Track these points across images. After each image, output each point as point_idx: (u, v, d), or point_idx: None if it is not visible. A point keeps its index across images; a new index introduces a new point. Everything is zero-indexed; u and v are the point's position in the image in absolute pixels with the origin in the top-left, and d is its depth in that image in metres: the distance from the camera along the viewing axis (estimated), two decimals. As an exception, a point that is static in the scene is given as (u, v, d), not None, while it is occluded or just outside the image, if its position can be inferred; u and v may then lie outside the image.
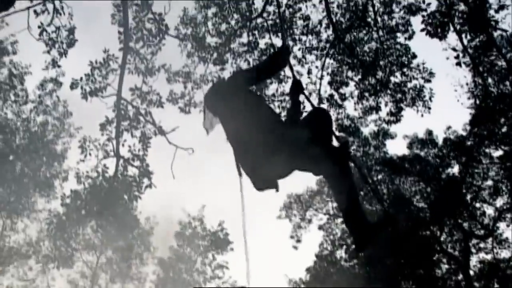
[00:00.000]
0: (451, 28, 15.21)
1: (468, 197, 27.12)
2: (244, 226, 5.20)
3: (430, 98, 16.99)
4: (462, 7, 15.16)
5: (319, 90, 16.83)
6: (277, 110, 16.33)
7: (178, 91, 16.87)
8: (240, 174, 4.99)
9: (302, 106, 5.68)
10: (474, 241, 27.23)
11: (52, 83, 21.74)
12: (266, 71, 5.94)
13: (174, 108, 16.77)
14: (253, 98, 5.31)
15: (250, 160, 4.96)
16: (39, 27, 14.78)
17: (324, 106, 16.82)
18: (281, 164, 4.83)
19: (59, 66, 16.30)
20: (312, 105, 5.53)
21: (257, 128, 4.87)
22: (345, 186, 4.83)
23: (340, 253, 30.35)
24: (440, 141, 27.90)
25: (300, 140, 4.81)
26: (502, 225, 26.76)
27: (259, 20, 16.50)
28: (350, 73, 17.16)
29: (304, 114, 5.24)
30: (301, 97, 5.49)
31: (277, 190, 4.84)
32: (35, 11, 14.26)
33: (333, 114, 17.35)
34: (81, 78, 15.06)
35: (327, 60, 16.82)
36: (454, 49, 15.47)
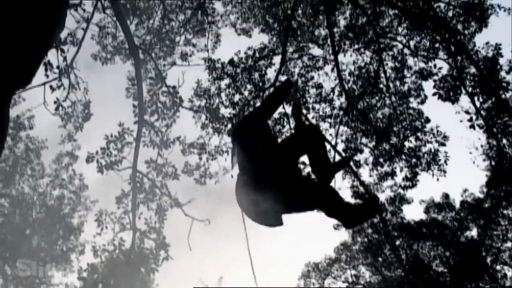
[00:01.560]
0: (463, 91, 15.29)
1: (488, 259, 26.72)
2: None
3: (445, 162, 16.91)
4: (473, 69, 15.26)
5: (334, 157, 16.80)
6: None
7: (193, 162, 16.92)
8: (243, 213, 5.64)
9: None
10: (496, 304, 26.72)
11: (68, 157, 21.89)
12: (271, 104, 6.24)
13: (189, 180, 16.79)
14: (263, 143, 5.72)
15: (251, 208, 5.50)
16: (55, 102, 14.95)
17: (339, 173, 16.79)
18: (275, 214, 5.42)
19: (74, 140, 16.48)
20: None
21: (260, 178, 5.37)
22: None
23: (360, 321, 29.83)
24: (457, 204, 27.68)
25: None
26: (524, 288, 26.31)
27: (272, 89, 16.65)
28: (364, 140, 17.15)
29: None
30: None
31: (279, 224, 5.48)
32: (51, 87, 14.42)
33: (348, 181, 17.32)
34: (97, 152, 15.15)
35: (341, 127, 16.89)
36: (467, 112, 15.48)
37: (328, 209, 5.61)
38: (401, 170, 17.25)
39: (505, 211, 25.39)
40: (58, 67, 13.80)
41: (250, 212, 5.53)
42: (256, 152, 5.55)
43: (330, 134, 16.77)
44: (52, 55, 13.50)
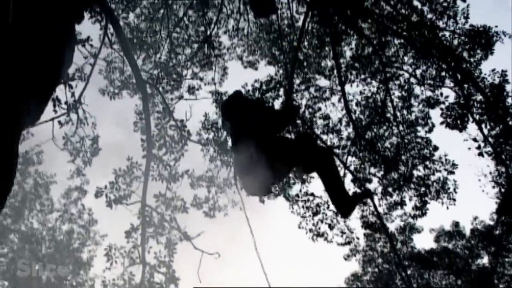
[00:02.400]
0: (470, 119, 15.28)
1: (501, 287, 26.53)
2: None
3: (454, 190, 16.85)
4: (480, 97, 15.27)
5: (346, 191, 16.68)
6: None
7: (202, 195, 16.88)
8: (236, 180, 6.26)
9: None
10: (510, 332, 26.46)
11: (77, 192, 21.96)
12: (275, 116, 6.67)
13: (198, 213, 16.75)
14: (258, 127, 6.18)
15: (242, 173, 6.06)
16: (63, 137, 15.02)
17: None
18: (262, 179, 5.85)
19: (83, 175, 16.50)
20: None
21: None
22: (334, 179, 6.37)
23: None
24: (467, 232, 27.61)
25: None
26: (537, 314, 26.08)
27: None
28: (372, 170, 17.11)
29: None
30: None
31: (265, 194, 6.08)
32: (59, 122, 14.48)
33: (358, 211, 17.26)
34: (106, 186, 15.16)
35: (349, 157, 16.86)
36: (474, 140, 15.45)
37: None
38: (410, 199, 17.19)
39: (516, 238, 25.28)
40: (66, 102, 13.86)
41: (246, 183, 6.06)
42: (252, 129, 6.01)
43: (338, 165, 16.69)
44: (60, 91, 13.59)
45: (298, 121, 14.65)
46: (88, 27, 17.19)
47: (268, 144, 5.90)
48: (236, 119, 6.29)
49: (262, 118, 6.22)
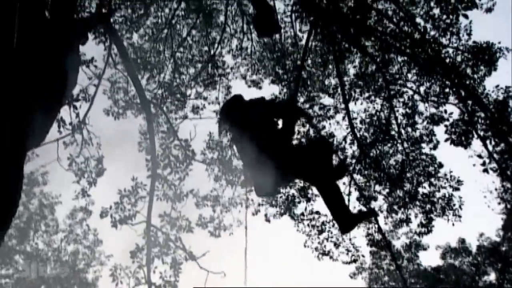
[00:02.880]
0: (475, 135, 15.25)
1: (508, 304, 26.39)
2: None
3: (460, 207, 16.74)
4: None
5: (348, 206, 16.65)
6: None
7: (207, 215, 16.86)
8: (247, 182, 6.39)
9: None
10: None
11: (82, 212, 21.95)
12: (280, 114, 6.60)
13: (204, 233, 16.72)
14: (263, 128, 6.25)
15: (252, 173, 6.17)
16: (68, 158, 15.05)
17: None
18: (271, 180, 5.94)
19: (88, 195, 16.49)
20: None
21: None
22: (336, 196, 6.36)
23: None
24: (474, 248, 27.49)
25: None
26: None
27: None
28: (377, 187, 17.06)
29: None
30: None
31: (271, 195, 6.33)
32: (64, 143, 14.55)
33: (363, 229, 17.21)
34: (111, 207, 15.17)
35: (354, 175, 16.79)
36: (479, 156, 15.44)
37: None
38: (416, 217, 17.14)
39: (522, 254, 25.18)
40: (71, 123, 13.92)
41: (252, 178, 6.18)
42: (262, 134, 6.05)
43: (344, 183, 16.72)
44: (64, 112, 13.63)
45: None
46: (92, 48, 17.26)
47: (271, 144, 5.90)
48: (237, 121, 6.27)
49: (264, 114, 6.21)
